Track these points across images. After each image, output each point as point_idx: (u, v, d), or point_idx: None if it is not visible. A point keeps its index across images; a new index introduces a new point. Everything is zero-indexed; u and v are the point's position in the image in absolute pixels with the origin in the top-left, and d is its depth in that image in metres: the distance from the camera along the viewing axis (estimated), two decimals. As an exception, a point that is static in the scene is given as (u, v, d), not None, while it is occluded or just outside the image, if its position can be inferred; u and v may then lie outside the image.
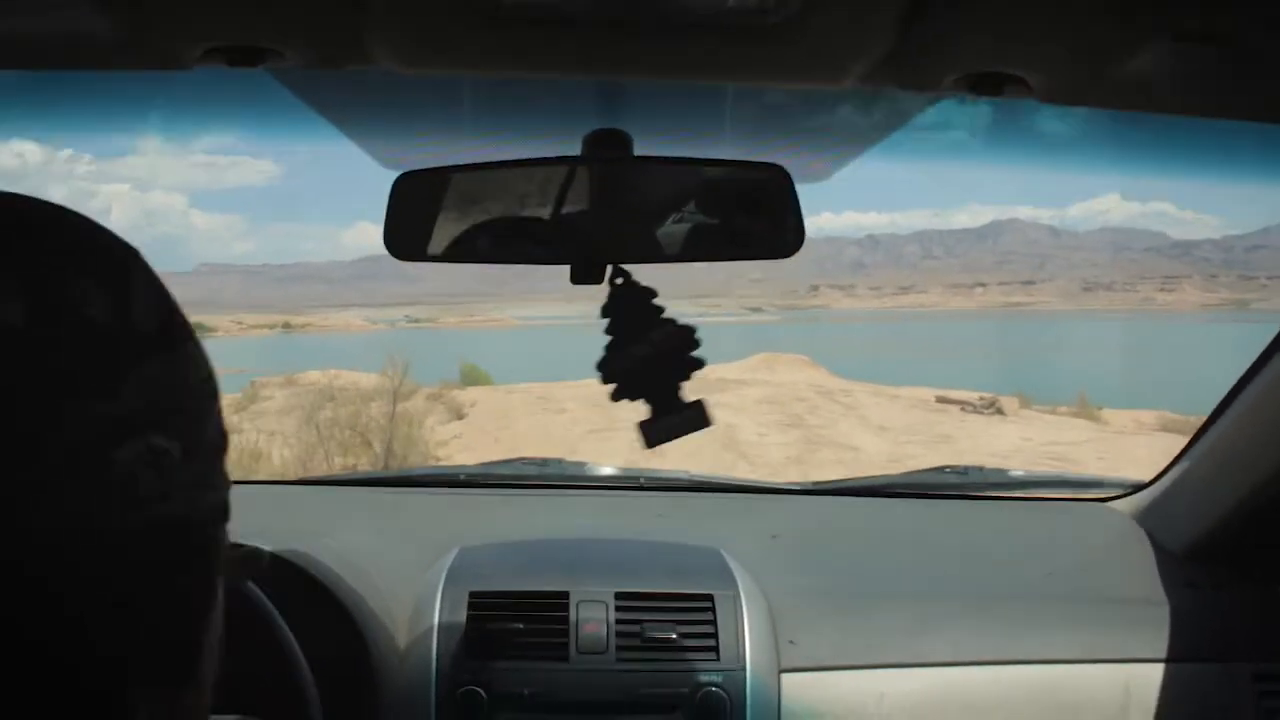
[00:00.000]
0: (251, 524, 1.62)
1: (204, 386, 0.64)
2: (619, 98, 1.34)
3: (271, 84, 1.18)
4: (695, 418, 1.27)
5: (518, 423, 18.20)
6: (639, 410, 1.28)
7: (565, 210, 1.30)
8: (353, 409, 16.59)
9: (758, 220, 1.33)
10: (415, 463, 14.46)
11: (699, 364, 1.27)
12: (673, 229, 1.33)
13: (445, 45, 1.04)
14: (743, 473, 14.39)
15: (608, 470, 2.33)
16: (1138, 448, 14.82)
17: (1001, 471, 2.42)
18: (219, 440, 0.66)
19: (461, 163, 1.29)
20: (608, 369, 1.28)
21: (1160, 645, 1.72)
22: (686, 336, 1.27)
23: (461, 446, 16.86)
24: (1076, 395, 21.66)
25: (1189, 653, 1.72)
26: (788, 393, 22.62)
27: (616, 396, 1.28)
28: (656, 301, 1.29)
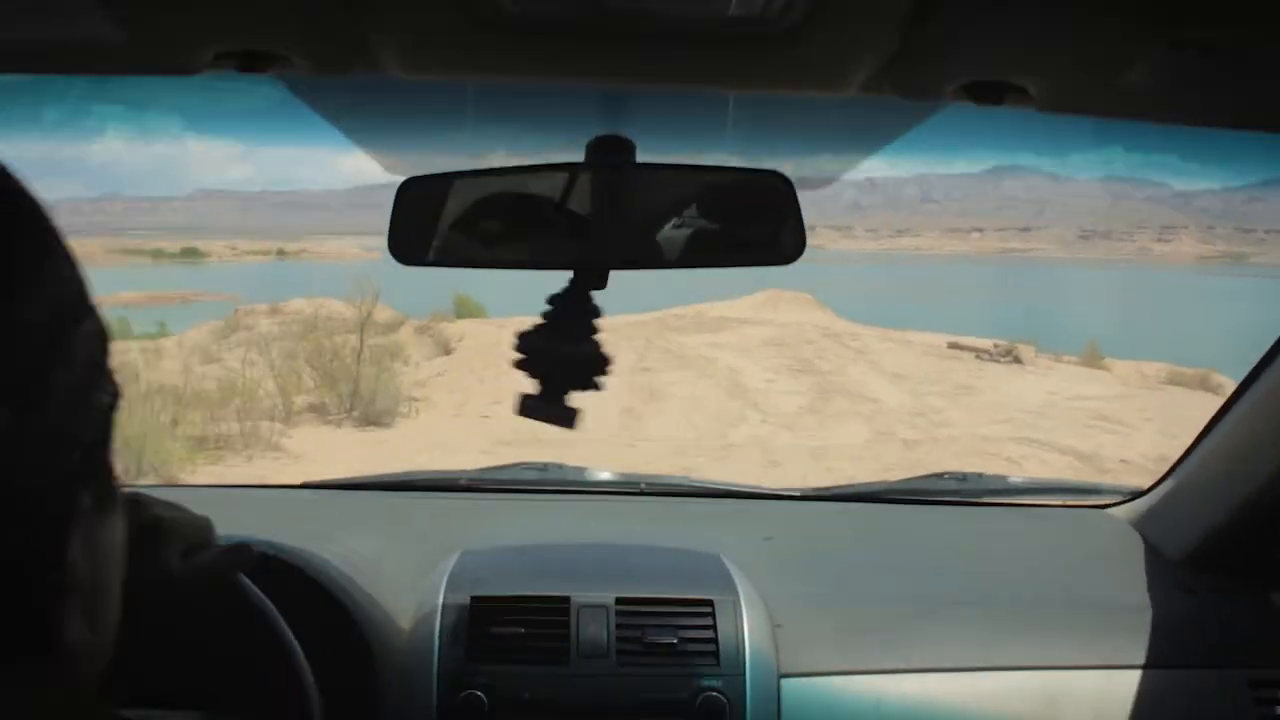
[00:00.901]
0: (255, 528, 1.65)
1: (47, 328, 0.58)
2: (622, 104, 1.35)
3: (280, 90, 1.19)
4: (565, 417, 1.36)
5: (507, 359, 17.79)
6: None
7: (568, 216, 1.33)
8: (316, 342, 15.72)
9: (759, 226, 1.35)
10: (384, 405, 13.72)
11: (597, 387, 1.35)
12: (674, 235, 1.35)
13: (448, 52, 1.05)
14: (753, 422, 13.64)
15: (607, 475, 2.36)
16: (1178, 405, 13.75)
17: (1001, 478, 2.44)
18: (81, 371, 0.60)
19: (465, 169, 1.30)
20: (526, 341, 1.35)
21: (1157, 651, 1.75)
22: (603, 362, 1.35)
23: (442, 386, 16.01)
24: (1084, 344, 20.55)
25: (1186, 658, 1.76)
26: (794, 334, 21.37)
27: (519, 366, 1.36)
28: (598, 322, 1.35)
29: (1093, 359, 19.57)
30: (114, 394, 0.65)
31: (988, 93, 1.06)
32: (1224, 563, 1.91)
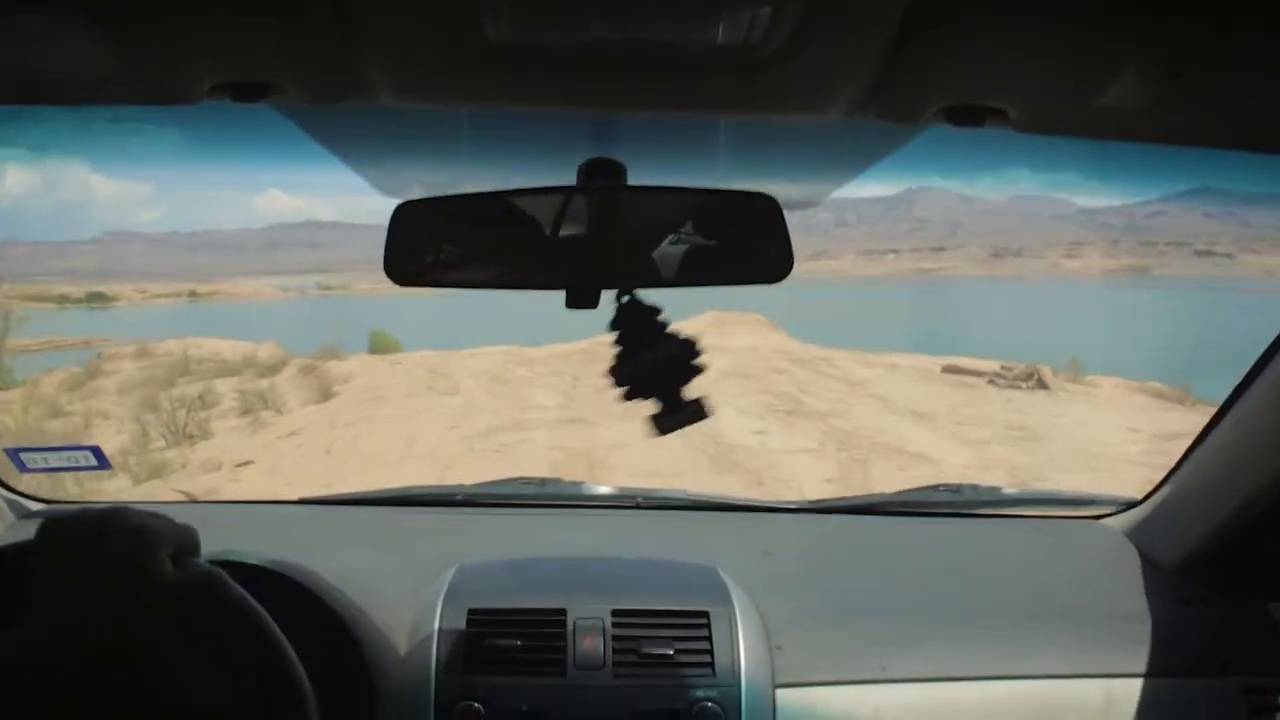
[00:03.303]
0: (250, 542, 1.63)
1: None
2: (613, 126, 1.36)
3: (276, 117, 1.19)
4: (696, 412, 1.37)
5: (387, 410, 13.35)
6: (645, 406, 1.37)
7: (560, 237, 1.33)
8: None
9: (747, 247, 1.37)
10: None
11: (700, 370, 1.37)
12: (664, 255, 1.36)
13: (440, 80, 1.07)
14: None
15: (605, 490, 2.36)
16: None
17: (995, 489, 2.44)
18: None
19: (460, 192, 1.31)
20: (620, 375, 1.36)
21: (1151, 660, 1.77)
22: (689, 349, 1.36)
23: (267, 460, 10.64)
24: (1051, 360, 17.13)
25: (1180, 667, 1.78)
26: (757, 363, 18.22)
27: (628, 397, 1.37)
28: (661, 318, 1.37)
29: (1076, 377, 16.87)
30: None
31: (967, 115, 1.09)
32: (1217, 571, 1.93)
